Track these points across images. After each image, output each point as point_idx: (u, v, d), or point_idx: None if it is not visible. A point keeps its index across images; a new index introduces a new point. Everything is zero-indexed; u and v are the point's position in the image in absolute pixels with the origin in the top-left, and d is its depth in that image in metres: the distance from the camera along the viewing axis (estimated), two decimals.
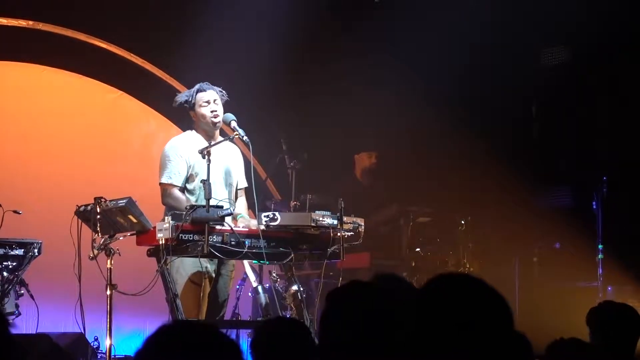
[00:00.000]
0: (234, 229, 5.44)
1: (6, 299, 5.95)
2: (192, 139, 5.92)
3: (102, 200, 5.33)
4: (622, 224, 7.95)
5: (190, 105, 5.94)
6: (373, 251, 7.50)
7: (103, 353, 6.15)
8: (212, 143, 5.74)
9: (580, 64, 8.63)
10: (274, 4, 8.26)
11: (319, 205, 6.30)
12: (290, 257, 5.66)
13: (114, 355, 5.80)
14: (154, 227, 5.32)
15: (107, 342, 5.35)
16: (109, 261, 5.33)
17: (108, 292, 5.31)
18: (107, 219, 5.33)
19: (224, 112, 5.92)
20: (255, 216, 5.69)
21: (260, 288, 6.23)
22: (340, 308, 2.53)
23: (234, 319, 7.09)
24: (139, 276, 5.38)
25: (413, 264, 7.80)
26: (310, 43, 8.70)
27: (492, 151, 8.43)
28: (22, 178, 7.92)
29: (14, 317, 6.00)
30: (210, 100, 5.90)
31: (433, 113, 8.54)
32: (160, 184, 5.86)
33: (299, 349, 3.31)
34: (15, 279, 6.03)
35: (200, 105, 5.90)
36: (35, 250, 6.15)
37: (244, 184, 6.12)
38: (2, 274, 5.99)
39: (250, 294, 6.97)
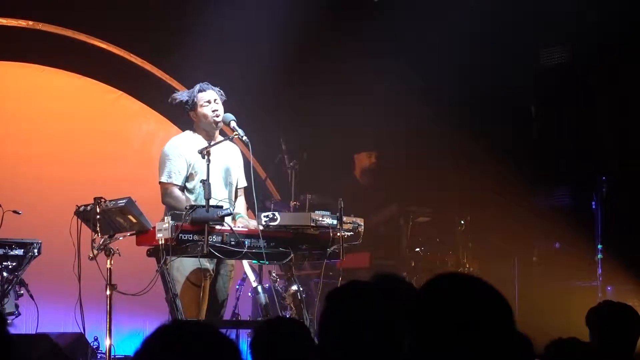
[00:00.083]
0: (233, 229, 5.44)
1: (6, 299, 5.95)
2: (192, 139, 5.92)
3: (102, 200, 5.33)
4: (622, 223, 7.95)
5: (190, 106, 5.94)
6: (373, 251, 7.50)
7: (103, 353, 6.15)
8: (212, 143, 5.74)
9: (580, 64, 8.63)
10: (274, 4, 8.26)
11: (319, 205, 6.31)
12: (289, 257, 5.66)
13: (114, 355, 5.80)
14: (154, 227, 5.32)
15: (107, 342, 5.35)
16: (108, 261, 5.33)
17: (108, 292, 5.31)
18: (106, 219, 5.34)
19: (224, 111, 5.92)
20: (255, 216, 5.69)
21: (260, 288, 6.22)
22: (340, 308, 2.53)
23: (234, 319, 7.09)
24: (138, 276, 5.38)
25: (413, 264, 7.80)
26: (310, 43, 8.70)
27: (492, 151, 8.43)
28: (22, 178, 7.92)
29: (13, 317, 6.00)
30: (211, 100, 5.91)
31: (433, 113, 8.54)
32: (160, 183, 5.86)
33: (299, 349, 3.31)
34: (15, 279, 6.04)
35: (202, 105, 5.91)
36: (35, 251, 6.15)
37: (243, 183, 6.12)
38: (2, 274, 5.99)
39: (249, 294, 6.97)
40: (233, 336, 6.72)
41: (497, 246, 8.28)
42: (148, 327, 7.58)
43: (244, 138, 5.80)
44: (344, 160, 8.54)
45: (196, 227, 5.26)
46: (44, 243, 6.21)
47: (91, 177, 7.96)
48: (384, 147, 8.47)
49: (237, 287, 7.18)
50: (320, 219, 5.61)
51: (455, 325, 2.00)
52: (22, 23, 8.11)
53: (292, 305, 6.04)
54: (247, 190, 6.13)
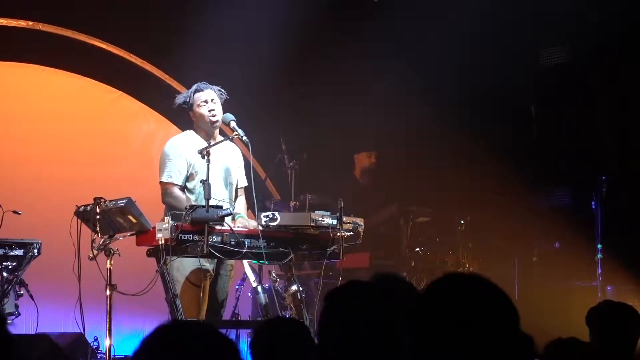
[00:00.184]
0: (233, 229, 5.44)
1: (6, 300, 5.95)
2: (192, 139, 5.92)
3: (102, 200, 5.33)
4: (622, 223, 7.95)
5: (188, 106, 5.94)
6: (373, 251, 7.50)
7: (103, 353, 6.15)
8: (212, 143, 5.74)
9: (580, 64, 8.63)
10: (274, 4, 8.25)
11: (319, 205, 6.31)
12: (289, 257, 5.66)
13: (114, 356, 5.80)
14: (154, 227, 5.32)
15: (107, 342, 5.35)
16: (108, 261, 5.33)
17: (108, 293, 5.31)
18: (106, 219, 5.34)
19: (224, 112, 5.92)
20: (255, 216, 5.69)
21: (259, 288, 6.22)
22: (340, 308, 2.53)
23: (234, 319, 7.09)
24: (138, 276, 5.38)
25: (413, 264, 7.80)
26: (310, 43, 8.70)
27: (492, 151, 8.43)
28: (22, 178, 7.92)
29: (13, 317, 6.00)
30: (208, 100, 5.90)
31: (433, 113, 8.54)
32: (161, 182, 5.86)
33: (299, 349, 3.31)
34: (15, 279, 6.04)
35: (199, 105, 5.90)
36: (35, 251, 6.15)
37: (244, 182, 6.12)
38: (2, 275, 5.99)
39: (249, 294, 6.97)
40: (233, 336, 6.72)
41: (497, 246, 8.28)
42: (148, 328, 7.53)
43: (244, 138, 5.80)
44: (344, 160, 8.54)
45: (196, 227, 5.26)
46: (44, 243, 6.21)
47: (91, 177, 7.96)
48: (384, 147, 8.47)
49: (237, 287, 7.18)
50: (320, 219, 5.60)
51: (457, 324, 2.00)
52: (22, 23, 8.11)
53: (292, 305, 6.04)
54: (247, 190, 6.13)
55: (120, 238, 5.42)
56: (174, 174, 5.82)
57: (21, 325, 6.37)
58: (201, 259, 5.44)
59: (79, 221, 5.41)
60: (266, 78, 8.19)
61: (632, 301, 6.12)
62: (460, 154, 8.56)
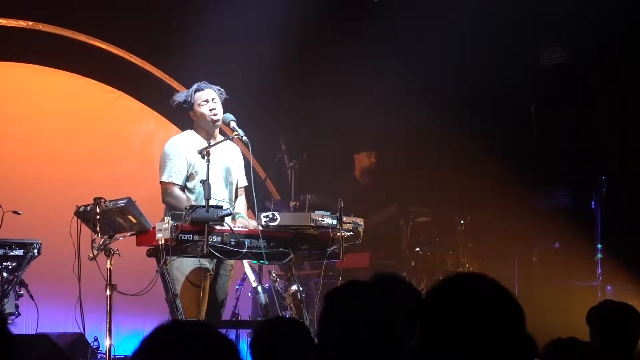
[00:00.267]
0: (233, 229, 5.44)
1: (6, 300, 5.95)
2: (192, 138, 5.92)
3: (102, 200, 5.33)
4: (622, 223, 7.95)
5: (189, 105, 5.94)
6: (373, 251, 7.50)
7: (103, 353, 6.15)
8: (212, 143, 5.73)
9: (580, 64, 8.63)
10: (274, 4, 8.26)
11: (319, 205, 6.31)
12: (289, 257, 5.66)
13: (114, 356, 5.80)
14: (154, 228, 5.32)
15: (107, 343, 5.35)
16: (108, 261, 5.33)
17: (108, 293, 5.31)
18: (106, 219, 5.34)
19: (224, 111, 5.92)
20: (255, 216, 5.69)
21: (259, 288, 6.22)
22: (339, 308, 2.53)
23: (234, 319, 7.09)
24: (138, 276, 5.38)
25: (413, 264, 7.79)
26: (310, 43, 8.70)
27: (492, 151, 8.43)
28: (22, 178, 7.92)
29: (13, 317, 6.00)
30: (208, 99, 5.91)
31: (433, 113, 8.54)
32: (161, 182, 5.86)
33: (299, 349, 3.31)
34: (15, 279, 6.03)
35: (199, 105, 5.91)
36: (35, 251, 6.15)
37: (244, 182, 6.12)
38: (2, 275, 5.99)
39: (249, 294, 6.97)
40: (233, 336, 6.71)
41: (497, 246, 8.28)
42: (148, 328, 7.52)
43: (244, 138, 5.80)
44: (344, 160, 8.54)
45: (196, 227, 5.26)
46: (44, 243, 6.20)
47: (91, 177, 7.96)
48: (384, 147, 8.46)
49: (237, 287, 7.18)
50: (320, 219, 5.61)
51: (463, 324, 2.01)
52: (21, 23, 8.11)
53: (292, 305, 6.04)
54: (247, 190, 6.13)
55: (120, 238, 5.42)
56: (174, 174, 5.82)
57: (21, 326, 6.36)
58: (201, 259, 5.44)
59: (79, 221, 5.41)
60: (266, 78, 8.19)
61: (632, 301, 6.12)
62: (460, 154, 8.56)
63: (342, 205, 5.62)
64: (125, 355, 6.50)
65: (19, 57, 8.17)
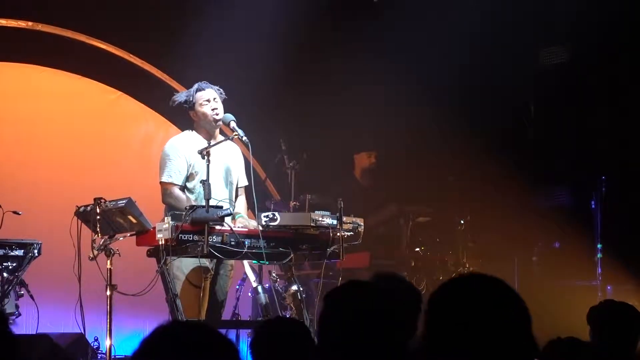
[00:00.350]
0: (233, 229, 5.44)
1: (6, 300, 5.95)
2: (192, 138, 5.92)
3: (102, 200, 5.33)
4: (621, 223, 7.95)
5: (190, 105, 5.94)
6: (373, 251, 7.50)
7: (103, 353, 6.15)
8: (212, 143, 5.74)
9: (580, 64, 8.63)
10: (274, 4, 8.26)
11: (319, 205, 6.31)
12: (290, 257, 5.66)
13: (114, 356, 5.80)
14: (154, 228, 5.32)
15: (107, 343, 5.36)
16: (108, 262, 5.33)
17: (108, 293, 5.31)
18: (106, 219, 5.34)
19: (224, 112, 5.92)
20: (255, 216, 5.70)
21: (260, 288, 6.23)
22: (339, 308, 2.53)
23: (234, 319, 7.09)
24: (138, 277, 5.38)
25: (413, 264, 7.80)
26: (310, 43, 8.70)
27: (492, 151, 8.43)
28: (22, 178, 7.91)
29: (14, 317, 6.00)
30: (210, 99, 5.91)
31: (432, 113, 8.54)
32: (161, 183, 5.87)
33: (299, 349, 3.31)
34: (15, 279, 6.04)
35: (201, 104, 5.91)
36: (35, 251, 6.15)
37: (244, 182, 6.13)
38: (2, 275, 5.99)
39: (250, 294, 6.97)
40: (233, 336, 6.72)
41: (497, 246, 8.28)
42: (148, 328, 7.53)
43: (244, 138, 5.80)
44: (343, 160, 8.54)
45: (196, 227, 5.26)
46: (44, 243, 6.20)
47: (91, 177, 7.96)
48: (384, 147, 8.47)
49: (237, 287, 7.18)
50: (320, 219, 5.61)
51: (468, 324, 2.01)
52: (21, 23, 8.11)
53: (292, 305, 6.05)
54: (247, 190, 6.13)
55: (121, 238, 5.42)
56: (174, 174, 5.82)
57: (21, 326, 6.36)
58: (201, 259, 5.45)
59: (79, 221, 5.41)
60: (266, 78, 8.18)
61: (632, 301, 6.12)
62: (460, 154, 8.56)
63: (342, 205, 5.63)
64: (125, 356, 6.50)
65: (19, 57, 8.17)
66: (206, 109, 5.89)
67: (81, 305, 5.43)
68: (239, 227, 5.60)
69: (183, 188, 5.84)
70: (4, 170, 7.89)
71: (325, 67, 8.62)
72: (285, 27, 8.16)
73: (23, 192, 7.65)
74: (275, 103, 8.76)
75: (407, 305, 3.43)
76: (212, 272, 5.76)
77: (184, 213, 5.27)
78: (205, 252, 5.22)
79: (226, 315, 6.41)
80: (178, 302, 5.39)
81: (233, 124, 5.83)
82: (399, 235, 7.98)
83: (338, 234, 5.63)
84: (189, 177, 5.85)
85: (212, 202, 5.39)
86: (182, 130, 6.19)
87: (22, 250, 6.11)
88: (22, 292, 6.12)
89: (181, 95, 6.04)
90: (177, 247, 5.27)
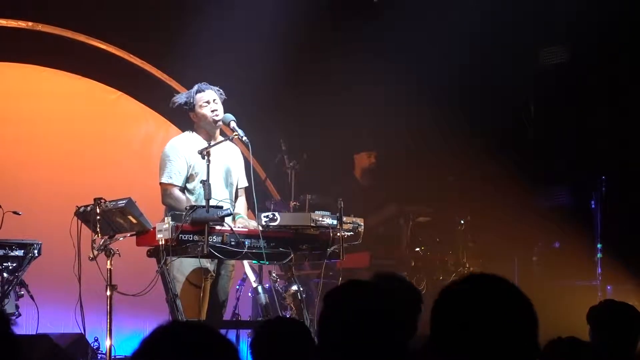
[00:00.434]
0: (233, 229, 5.44)
1: (6, 300, 5.95)
2: (192, 139, 5.93)
3: (102, 200, 5.33)
4: (621, 223, 7.95)
5: (190, 107, 5.95)
6: (373, 251, 7.50)
7: (103, 354, 6.15)
8: (212, 143, 5.74)
9: (580, 63, 8.63)
10: (274, 4, 8.26)
11: (319, 206, 6.31)
12: (290, 257, 5.66)
13: (114, 356, 5.80)
14: (154, 228, 5.32)
15: (107, 343, 5.36)
16: (108, 262, 5.33)
17: (108, 293, 5.31)
18: (106, 219, 5.34)
19: (224, 112, 5.93)
20: (255, 216, 5.70)
21: (260, 288, 6.23)
22: (339, 308, 2.53)
23: (234, 319, 7.09)
24: (138, 277, 5.38)
25: (413, 264, 7.80)
26: (310, 43, 8.70)
27: (492, 151, 8.44)
28: (22, 179, 7.91)
29: (14, 318, 6.00)
30: (210, 100, 5.92)
31: (432, 113, 8.54)
32: (161, 183, 5.87)
33: (299, 349, 3.31)
34: (15, 280, 6.03)
35: (201, 106, 5.91)
36: (35, 251, 6.14)
37: (244, 183, 6.13)
38: (2, 275, 5.99)
39: (250, 294, 6.97)
40: (233, 336, 6.72)
41: (497, 246, 8.28)
42: (148, 328, 7.52)
43: (244, 139, 5.80)
44: (343, 160, 8.54)
45: (196, 227, 5.26)
46: (44, 244, 6.20)
47: (91, 177, 7.96)
48: (384, 147, 8.47)
49: (237, 287, 7.17)
50: (320, 219, 5.61)
51: (473, 325, 2.01)
52: (21, 23, 8.11)
53: (292, 305, 6.05)
54: (247, 191, 6.14)
55: (121, 238, 5.43)
56: (174, 175, 5.82)
57: (21, 326, 6.36)
58: (201, 260, 5.45)
59: (79, 222, 5.41)
60: (266, 78, 8.18)
61: (632, 301, 6.12)
62: (459, 154, 8.56)
63: (342, 205, 5.63)
64: (125, 356, 6.49)
65: (19, 57, 8.17)
66: (206, 111, 5.90)
67: (81, 306, 5.43)
68: (239, 227, 5.60)
69: (183, 189, 5.84)
70: (4, 170, 7.89)
71: (325, 67, 8.62)
72: (285, 27, 8.16)
73: (23, 192, 7.65)
74: (275, 103, 8.76)
75: (407, 305, 3.43)
76: (213, 274, 5.76)
77: (184, 213, 5.27)
78: (205, 252, 5.22)
79: (226, 315, 6.41)
80: (178, 302, 5.39)
81: (233, 124, 5.83)
82: (399, 235, 7.98)
83: (338, 234, 5.63)
84: (189, 178, 5.85)
85: (212, 202, 5.39)
86: (182, 130, 6.19)
87: (22, 251, 6.10)
88: (22, 293, 6.12)
89: (181, 97, 6.04)
90: (177, 247, 5.28)
